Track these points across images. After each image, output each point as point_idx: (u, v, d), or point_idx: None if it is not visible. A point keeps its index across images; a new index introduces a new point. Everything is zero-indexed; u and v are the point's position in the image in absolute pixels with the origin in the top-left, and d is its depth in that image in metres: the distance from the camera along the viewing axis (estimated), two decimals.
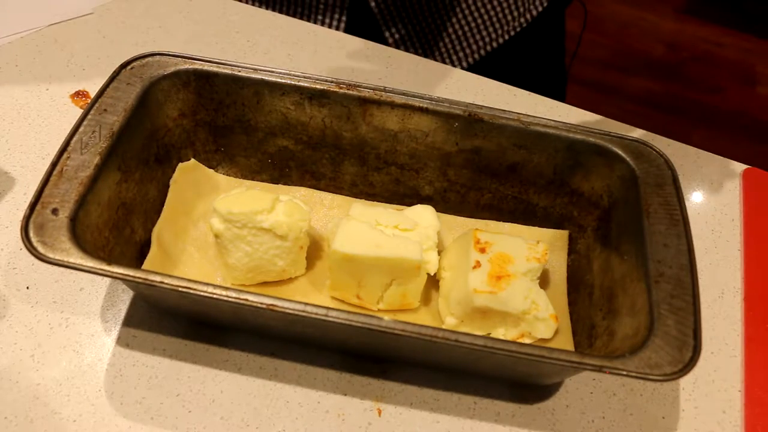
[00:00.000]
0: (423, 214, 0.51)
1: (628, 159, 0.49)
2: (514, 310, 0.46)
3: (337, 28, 0.75)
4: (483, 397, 0.47)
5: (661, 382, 0.42)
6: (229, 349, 0.48)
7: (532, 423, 0.47)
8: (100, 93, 0.48)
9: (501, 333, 0.48)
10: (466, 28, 0.78)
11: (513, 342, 0.39)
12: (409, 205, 0.54)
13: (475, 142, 0.52)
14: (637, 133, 0.66)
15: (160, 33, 0.72)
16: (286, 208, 0.48)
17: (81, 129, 0.45)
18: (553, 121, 0.51)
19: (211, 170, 0.55)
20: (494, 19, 0.78)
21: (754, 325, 0.54)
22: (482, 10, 0.77)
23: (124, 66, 0.50)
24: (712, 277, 0.57)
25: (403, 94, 0.51)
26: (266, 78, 0.51)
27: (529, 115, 0.51)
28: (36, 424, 0.43)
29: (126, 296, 0.50)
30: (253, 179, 0.57)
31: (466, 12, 0.77)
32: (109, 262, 0.39)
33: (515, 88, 0.71)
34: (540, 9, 0.82)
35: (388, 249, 0.47)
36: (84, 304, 0.49)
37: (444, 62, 0.79)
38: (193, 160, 0.54)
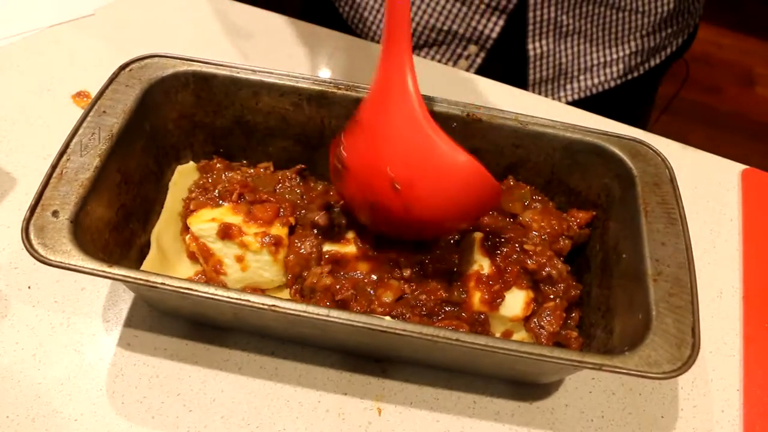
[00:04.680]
0: None
1: (625, 158, 0.50)
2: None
3: (491, 32, 0.74)
4: (483, 395, 0.47)
5: (660, 380, 0.42)
6: (229, 349, 0.48)
7: (532, 422, 0.47)
8: (99, 95, 0.48)
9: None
10: (596, 62, 0.77)
11: (513, 341, 0.40)
12: None
13: (474, 142, 0.52)
14: (635, 132, 0.66)
15: (160, 34, 0.72)
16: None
17: (80, 131, 0.45)
18: (551, 121, 0.51)
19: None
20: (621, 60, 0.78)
21: (753, 324, 0.54)
22: (619, 49, 0.77)
23: (122, 68, 0.50)
24: (711, 276, 0.57)
25: None
26: (265, 79, 0.51)
27: (526, 115, 0.51)
28: (37, 423, 0.43)
29: (127, 296, 0.50)
30: None
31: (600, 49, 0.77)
32: (110, 264, 0.39)
33: (513, 87, 0.72)
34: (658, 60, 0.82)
35: None
36: (85, 304, 0.49)
37: (549, 94, 0.79)
38: (191, 162, 0.54)
